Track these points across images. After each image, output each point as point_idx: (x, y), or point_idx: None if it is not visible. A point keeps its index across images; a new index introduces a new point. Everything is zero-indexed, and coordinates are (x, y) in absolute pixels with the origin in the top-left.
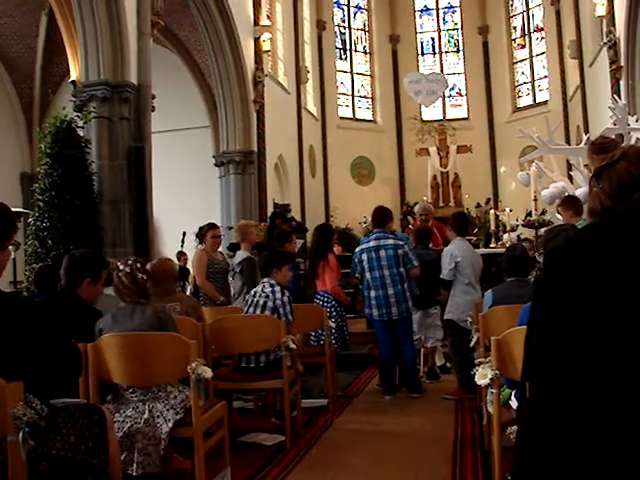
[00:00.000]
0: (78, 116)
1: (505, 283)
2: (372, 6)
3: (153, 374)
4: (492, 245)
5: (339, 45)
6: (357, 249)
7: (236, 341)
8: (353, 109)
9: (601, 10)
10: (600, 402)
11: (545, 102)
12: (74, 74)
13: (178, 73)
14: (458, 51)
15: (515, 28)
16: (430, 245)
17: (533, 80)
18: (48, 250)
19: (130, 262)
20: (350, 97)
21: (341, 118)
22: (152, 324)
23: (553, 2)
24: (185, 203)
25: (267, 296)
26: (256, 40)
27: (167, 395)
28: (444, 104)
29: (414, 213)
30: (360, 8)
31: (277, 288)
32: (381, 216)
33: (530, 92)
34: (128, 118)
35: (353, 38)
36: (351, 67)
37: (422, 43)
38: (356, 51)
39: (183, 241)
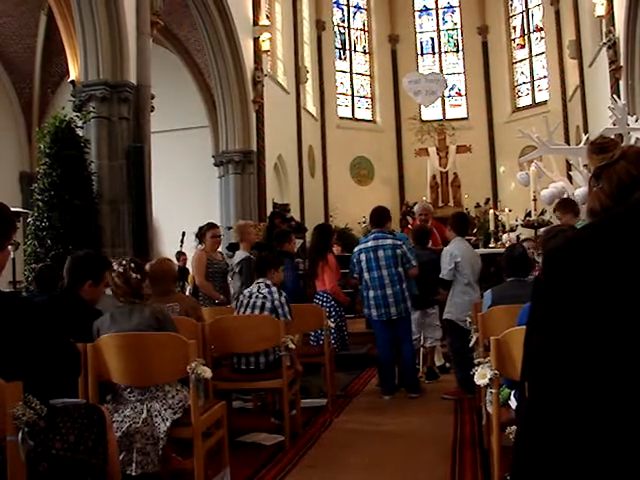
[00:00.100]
0: (77, 116)
1: (504, 283)
2: (371, 6)
3: (153, 374)
4: (491, 245)
5: (338, 45)
6: (355, 249)
7: (235, 341)
8: (352, 109)
9: (600, 10)
10: (600, 402)
11: (545, 102)
12: (73, 74)
13: (177, 73)
14: (457, 51)
15: (514, 28)
16: (429, 245)
17: (532, 80)
18: (47, 250)
19: (124, 262)
20: (349, 97)
21: (340, 118)
22: (150, 324)
23: (553, 2)
24: (184, 203)
25: (265, 297)
26: (255, 40)
27: (165, 395)
28: (443, 104)
29: (413, 213)
30: (359, 8)
31: (274, 289)
32: (379, 216)
33: (529, 92)
34: (127, 118)
35: (352, 38)
36: (350, 67)
37: (421, 43)
38: (355, 51)
39: (182, 241)
